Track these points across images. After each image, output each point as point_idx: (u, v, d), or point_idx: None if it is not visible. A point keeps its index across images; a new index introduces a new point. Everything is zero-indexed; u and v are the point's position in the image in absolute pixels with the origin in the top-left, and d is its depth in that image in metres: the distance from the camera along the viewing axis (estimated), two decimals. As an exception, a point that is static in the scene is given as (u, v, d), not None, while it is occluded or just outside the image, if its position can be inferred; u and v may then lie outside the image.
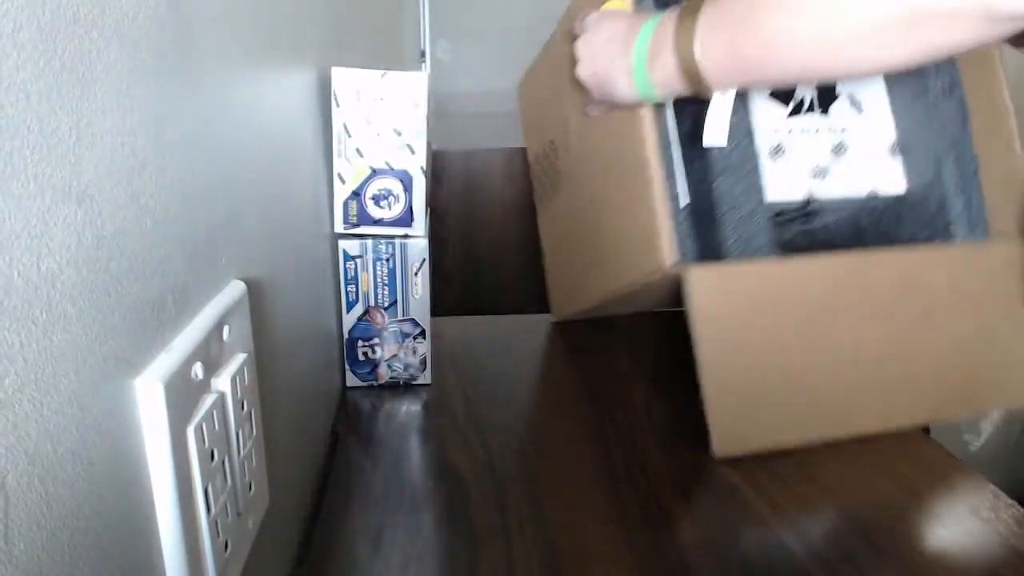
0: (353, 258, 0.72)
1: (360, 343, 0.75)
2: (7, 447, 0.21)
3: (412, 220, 0.72)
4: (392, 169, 0.71)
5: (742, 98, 0.70)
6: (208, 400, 0.34)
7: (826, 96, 0.76)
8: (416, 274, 0.73)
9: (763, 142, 0.74)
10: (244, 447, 0.38)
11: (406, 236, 0.73)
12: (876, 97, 0.76)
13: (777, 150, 0.75)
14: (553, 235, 0.98)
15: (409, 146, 0.70)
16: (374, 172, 0.71)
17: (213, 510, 0.34)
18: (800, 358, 0.66)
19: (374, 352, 0.76)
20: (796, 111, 0.76)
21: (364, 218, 0.72)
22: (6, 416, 0.21)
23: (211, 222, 0.37)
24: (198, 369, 0.33)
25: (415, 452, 0.67)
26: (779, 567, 0.51)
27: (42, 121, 0.22)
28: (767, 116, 0.75)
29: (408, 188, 0.71)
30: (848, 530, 0.55)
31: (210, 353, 0.34)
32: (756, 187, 0.70)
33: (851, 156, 0.78)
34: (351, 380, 0.77)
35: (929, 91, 0.74)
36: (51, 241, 0.23)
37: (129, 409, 0.28)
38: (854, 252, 0.72)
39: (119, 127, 0.27)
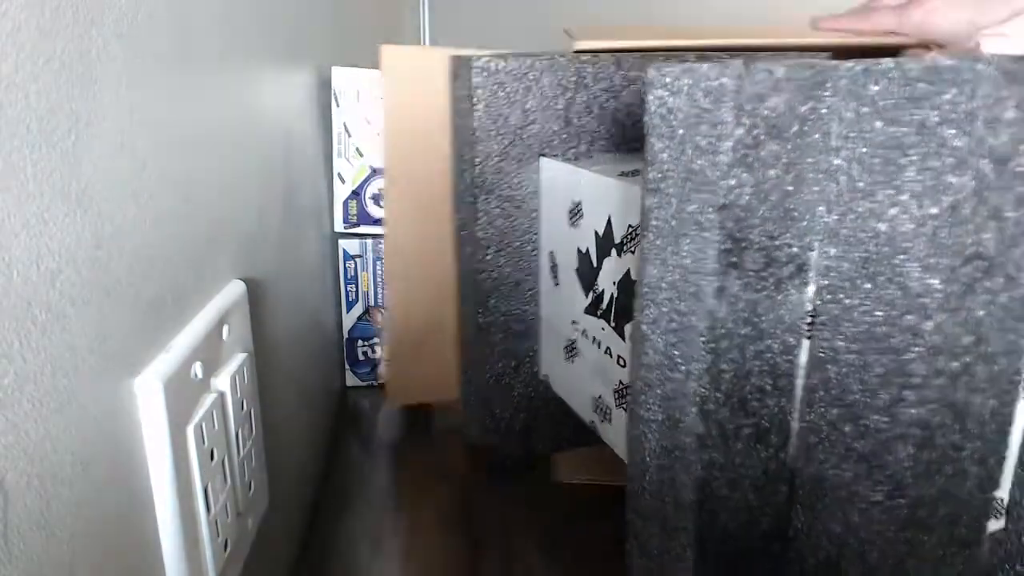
0: (353, 257, 0.72)
1: (360, 343, 0.75)
2: (6, 447, 0.21)
3: (412, 220, 0.72)
4: (392, 169, 0.71)
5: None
6: (208, 400, 0.34)
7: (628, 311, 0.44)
8: (416, 274, 0.73)
9: (562, 330, 0.53)
10: (244, 447, 0.38)
11: (406, 236, 0.73)
12: None
13: (571, 349, 0.52)
14: None
15: (409, 146, 0.70)
16: (374, 171, 0.71)
17: (213, 510, 0.34)
18: None
19: (374, 352, 0.76)
20: (593, 308, 0.48)
21: (364, 217, 0.72)
22: (5, 416, 0.21)
23: (211, 222, 0.37)
24: (198, 369, 0.33)
25: (415, 452, 0.67)
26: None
27: (41, 121, 0.22)
28: (568, 298, 0.52)
29: (408, 188, 0.71)
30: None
31: (210, 353, 0.34)
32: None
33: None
34: (351, 380, 0.77)
35: None
36: (50, 241, 0.23)
37: (129, 409, 0.28)
38: None
39: (119, 127, 0.27)
